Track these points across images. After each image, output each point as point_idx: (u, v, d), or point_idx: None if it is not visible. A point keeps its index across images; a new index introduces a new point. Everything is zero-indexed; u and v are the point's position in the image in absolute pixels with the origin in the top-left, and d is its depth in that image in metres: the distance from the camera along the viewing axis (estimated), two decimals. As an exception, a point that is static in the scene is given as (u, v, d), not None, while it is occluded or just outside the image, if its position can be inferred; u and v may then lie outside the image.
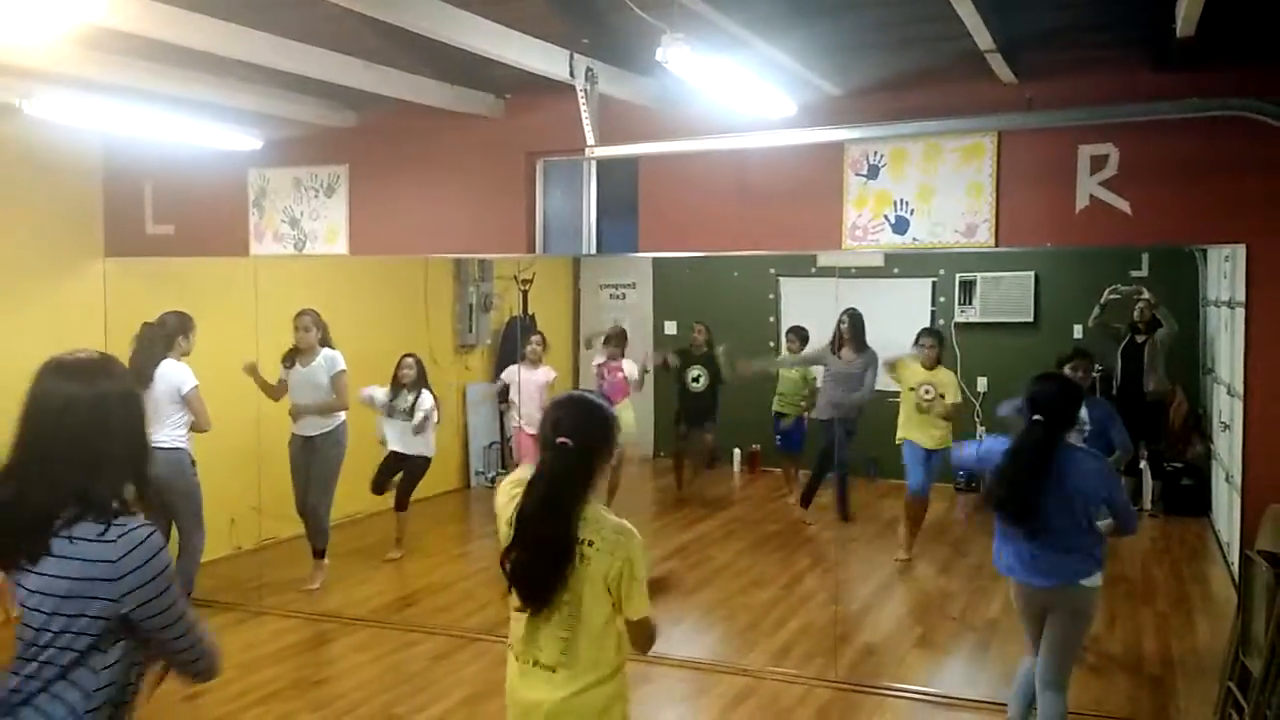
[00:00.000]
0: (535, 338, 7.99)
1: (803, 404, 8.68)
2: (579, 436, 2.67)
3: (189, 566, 5.97)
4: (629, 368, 8.32)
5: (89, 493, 2.12)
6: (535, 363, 7.82)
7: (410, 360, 7.41)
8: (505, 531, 2.75)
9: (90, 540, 2.10)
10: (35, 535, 2.10)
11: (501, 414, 10.02)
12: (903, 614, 6.63)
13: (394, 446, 7.39)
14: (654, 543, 8.02)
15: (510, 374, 7.94)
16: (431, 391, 7.50)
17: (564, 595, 2.64)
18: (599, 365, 8.38)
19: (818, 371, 8.42)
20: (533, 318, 9.73)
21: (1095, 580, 4.07)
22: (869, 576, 7.30)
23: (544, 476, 2.69)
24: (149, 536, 2.13)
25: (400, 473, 7.46)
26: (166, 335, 5.90)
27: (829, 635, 5.81)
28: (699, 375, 9.02)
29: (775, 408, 8.84)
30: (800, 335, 8.69)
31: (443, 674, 5.49)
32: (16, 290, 6.23)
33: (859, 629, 6.15)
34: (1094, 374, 8.18)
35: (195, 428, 5.94)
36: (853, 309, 7.93)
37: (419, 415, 7.33)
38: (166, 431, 5.77)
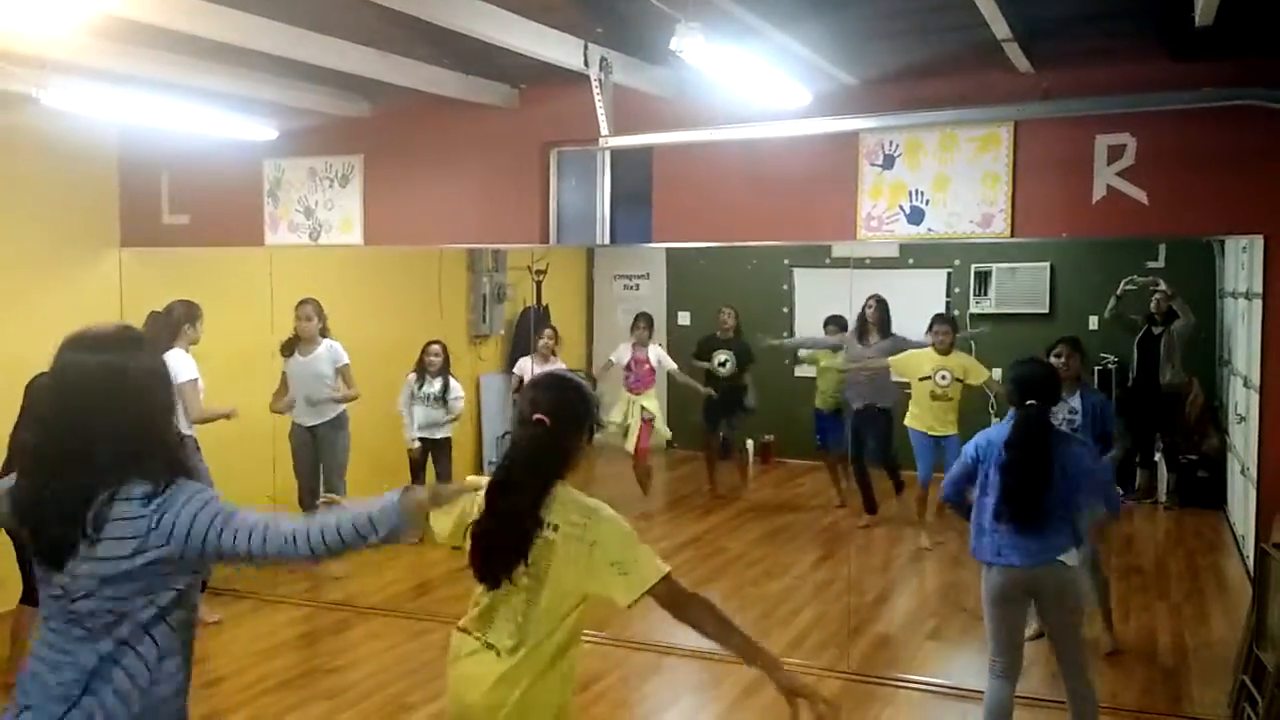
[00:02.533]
0: (548, 332, 8.09)
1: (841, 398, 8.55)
2: (554, 415, 2.61)
3: None
4: (654, 354, 8.44)
5: (118, 463, 2.13)
6: (546, 357, 7.93)
7: (436, 347, 7.50)
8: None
9: (129, 517, 2.11)
10: (80, 518, 2.09)
11: (514, 403, 10.03)
12: (916, 605, 6.63)
13: (422, 433, 7.46)
14: (666, 533, 8.04)
15: (522, 367, 8.06)
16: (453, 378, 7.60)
17: (523, 577, 2.56)
18: (627, 361, 8.49)
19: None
20: (546, 308, 9.74)
21: (1074, 557, 4.07)
22: (883, 568, 7.29)
23: (516, 450, 2.64)
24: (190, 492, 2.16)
25: (429, 459, 7.53)
26: (173, 324, 5.88)
27: (842, 626, 5.80)
28: (726, 360, 8.84)
29: (817, 405, 8.70)
30: (839, 324, 8.42)
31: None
32: (33, 280, 6.26)
33: (872, 620, 6.15)
34: (1110, 365, 8.19)
35: (192, 419, 5.84)
36: (877, 295, 7.92)
37: (455, 401, 7.46)
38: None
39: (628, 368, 8.48)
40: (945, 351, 7.23)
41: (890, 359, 7.58)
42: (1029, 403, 4.04)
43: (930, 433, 7.25)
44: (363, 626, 6.08)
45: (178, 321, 5.90)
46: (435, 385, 7.42)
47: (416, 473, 7.51)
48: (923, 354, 7.33)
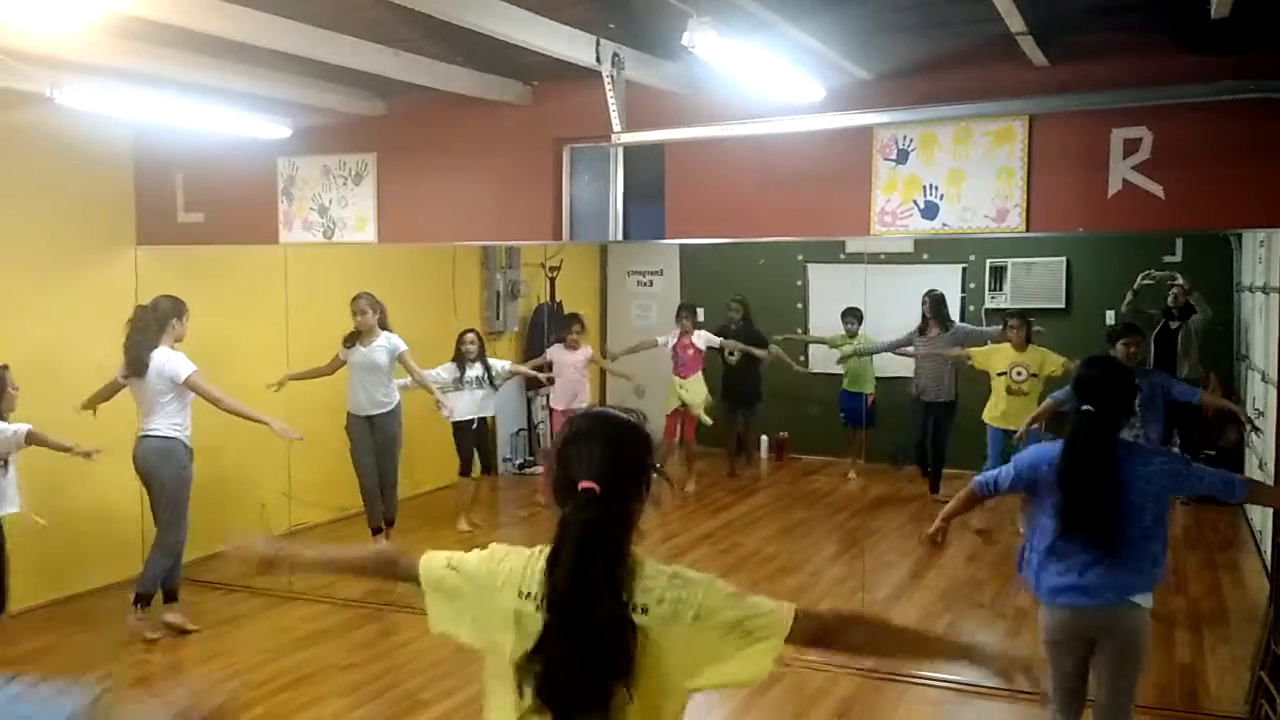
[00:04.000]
0: (576, 326, 8.56)
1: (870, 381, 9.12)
2: (605, 478, 1.98)
3: (161, 561, 5.75)
4: (702, 339, 8.84)
5: None
6: (574, 346, 8.44)
7: (472, 335, 7.88)
8: (515, 605, 2.07)
9: None
10: None
11: (529, 400, 10.06)
12: (931, 601, 6.60)
13: (466, 415, 7.81)
14: (683, 528, 8.04)
15: (551, 354, 8.60)
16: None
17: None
18: (673, 345, 8.86)
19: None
20: (560, 305, 9.75)
21: (1149, 599, 3.56)
22: (897, 564, 7.27)
23: (572, 539, 1.96)
24: None
25: (475, 441, 7.94)
26: (159, 319, 5.73)
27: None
28: (733, 349, 9.26)
29: (845, 388, 9.22)
30: (857, 316, 8.99)
31: (469, 660, 5.48)
32: (50, 279, 6.29)
33: (886, 615, 6.12)
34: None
35: (226, 409, 5.79)
36: (934, 290, 8.44)
37: (501, 371, 7.99)
38: (161, 420, 5.68)
39: (674, 352, 8.84)
40: (1021, 347, 7.37)
41: (972, 350, 7.84)
42: (1085, 408, 3.54)
43: (1005, 427, 7.31)
44: (378, 623, 6.10)
45: (164, 316, 5.74)
46: (478, 369, 7.80)
47: (465, 452, 7.88)
48: (1000, 349, 7.52)
